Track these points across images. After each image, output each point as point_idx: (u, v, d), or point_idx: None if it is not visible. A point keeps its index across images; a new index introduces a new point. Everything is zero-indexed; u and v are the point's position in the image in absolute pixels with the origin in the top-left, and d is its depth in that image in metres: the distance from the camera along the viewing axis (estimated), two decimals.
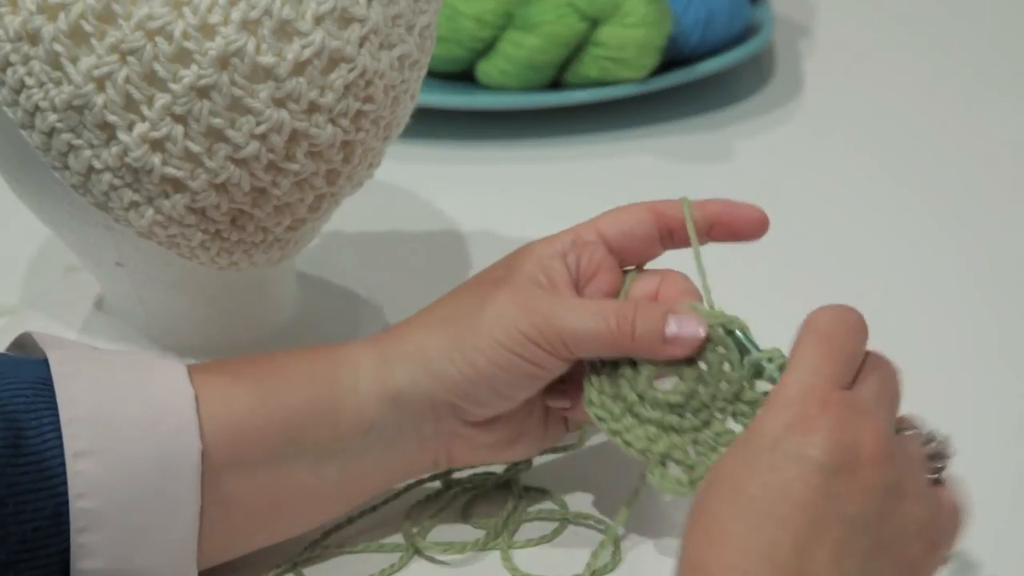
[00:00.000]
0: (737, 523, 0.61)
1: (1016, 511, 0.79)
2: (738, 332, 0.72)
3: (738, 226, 0.74)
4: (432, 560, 0.76)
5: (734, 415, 0.71)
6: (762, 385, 0.71)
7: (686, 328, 0.71)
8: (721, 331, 0.71)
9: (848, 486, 0.62)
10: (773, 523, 0.61)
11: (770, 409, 0.64)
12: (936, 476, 0.66)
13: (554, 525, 0.77)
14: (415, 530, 0.76)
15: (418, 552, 0.76)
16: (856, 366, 0.66)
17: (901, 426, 0.67)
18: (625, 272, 0.75)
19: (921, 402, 0.85)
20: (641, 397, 0.72)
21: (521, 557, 0.76)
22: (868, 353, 0.67)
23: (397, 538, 0.77)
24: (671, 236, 0.75)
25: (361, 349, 0.74)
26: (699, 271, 0.73)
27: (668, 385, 0.72)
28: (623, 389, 0.72)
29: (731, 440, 0.70)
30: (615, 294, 0.74)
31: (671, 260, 0.76)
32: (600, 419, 0.72)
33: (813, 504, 0.61)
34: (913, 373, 0.88)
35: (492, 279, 0.74)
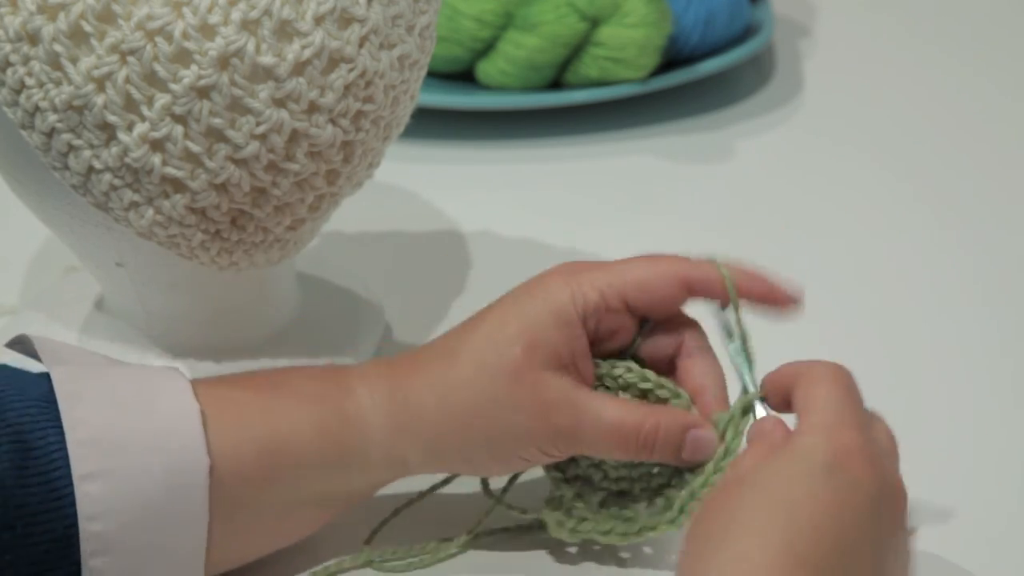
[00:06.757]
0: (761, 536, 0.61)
1: (1017, 513, 0.79)
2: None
3: (770, 305, 0.73)
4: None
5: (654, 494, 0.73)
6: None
7: (701, 451, 0.71)
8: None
9: (892, 513, 0.64)
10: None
11: (810, 434, 0.65)
12: None
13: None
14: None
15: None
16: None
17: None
18: (640, 326, 0.74)
19: (921, 401, 0.85)
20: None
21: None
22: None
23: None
24: (694, 295, 0.73)
25: (371, 410, 0.73)
26: (742, 360, 0.72)
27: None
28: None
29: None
30: (627, 348, 0.74)
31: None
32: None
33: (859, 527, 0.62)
34: (912, 372, 0.88)
35: (512, 362, 0.71)
